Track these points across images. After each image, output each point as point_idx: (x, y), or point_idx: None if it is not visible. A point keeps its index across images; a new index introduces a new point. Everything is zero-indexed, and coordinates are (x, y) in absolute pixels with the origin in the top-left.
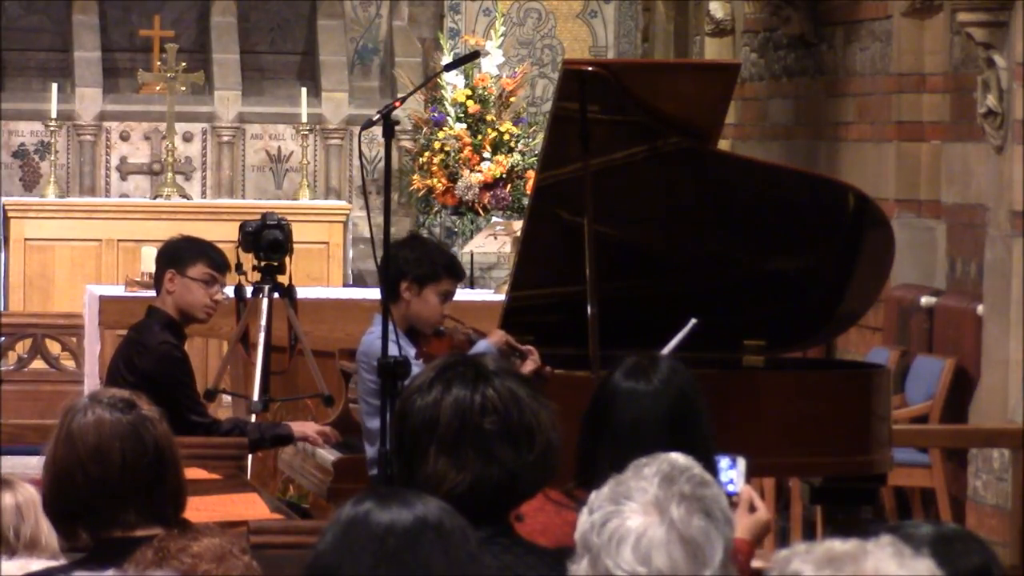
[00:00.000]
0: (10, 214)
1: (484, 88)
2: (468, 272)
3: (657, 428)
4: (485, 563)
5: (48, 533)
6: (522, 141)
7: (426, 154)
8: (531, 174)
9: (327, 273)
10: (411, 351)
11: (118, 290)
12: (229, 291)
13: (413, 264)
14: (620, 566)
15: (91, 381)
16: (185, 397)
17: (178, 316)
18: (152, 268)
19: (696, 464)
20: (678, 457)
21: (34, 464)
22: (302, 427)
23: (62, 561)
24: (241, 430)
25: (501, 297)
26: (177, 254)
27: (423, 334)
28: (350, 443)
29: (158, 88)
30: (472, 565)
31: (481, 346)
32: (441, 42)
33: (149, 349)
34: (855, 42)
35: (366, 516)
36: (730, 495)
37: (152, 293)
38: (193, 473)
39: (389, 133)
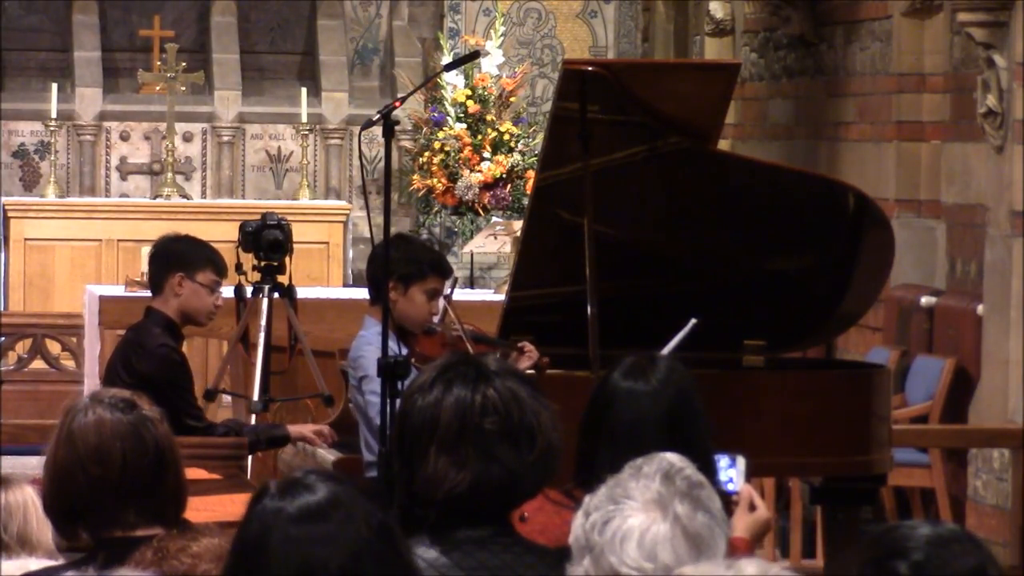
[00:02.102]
0: (10, 214)
1: (484, 88)
2: (468, 272)
3: (656, 428)
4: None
5: (39, 531)
6: (522, 141)
7: (426, 154)
8: (531, 174)
9: (327, 273)
10: (401, 351)
11: (118, 290)
12: (229, 291)
13: (399, 264)
14: (625, 563)
15: (91, 381)
16: (182, 400)
17: (179, 319)
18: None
19: (690, 465)
20: (674, 457)
21: (34, 464)
22: (299, 428)
23: (61, 561)
24: (237, 433)
25: (501, 297)
26: (186, 258)
27: (413, 333)
28: (350, 443)
29: (158, 88)
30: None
31: None
32: (441, 42)
33: (148, 351)
34: (855, 42)
35: (282, 497)
36: (730, 494)
37: (149, 293)
38: (193, 473)
39: (389, 133)
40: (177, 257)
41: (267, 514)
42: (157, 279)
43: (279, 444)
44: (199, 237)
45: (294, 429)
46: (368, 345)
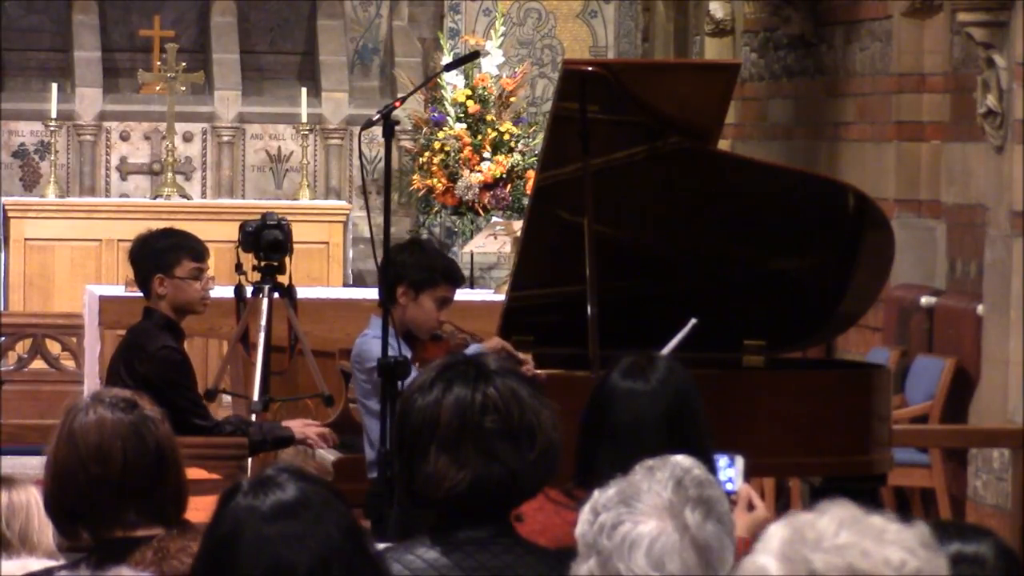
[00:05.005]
0: (10, 214)
1: (484, 88)
2: (468, 272)
3: (655, 427)
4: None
5: (40, 531)
6: (522, 141)
7: (426, 154)
8: (531, 174)
9: (327, 273)
10: (407, 354)
11: (118, 290)
12: (229, 291)
13: (411, 269)
14: (632, 570)
15: (91, 381)
16: (186, 401)
17: (175, 315)
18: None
19: (699, 465)
20: (684, 459)
21: (34, 464)
22: (303, 429)
23: (61, 560)
24: (243, 432)
25: (501, 297)
26: (159, 257)
27: (419, 339)
28: (350, 443)
29: (158, 88)
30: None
31: (474, 350)
32: (441, 42)
33: (148, 354)
34: (855, 42)
35: (254, 495)
36: (728, 494)
37: None
38: (193, 473)
39: (389, 133)
40: (151, 258)
41: (239, 512)
42: (141, 283)
43: (284, 445)
44: (170, 228)
45: (298, 430)
46: (375, 339)
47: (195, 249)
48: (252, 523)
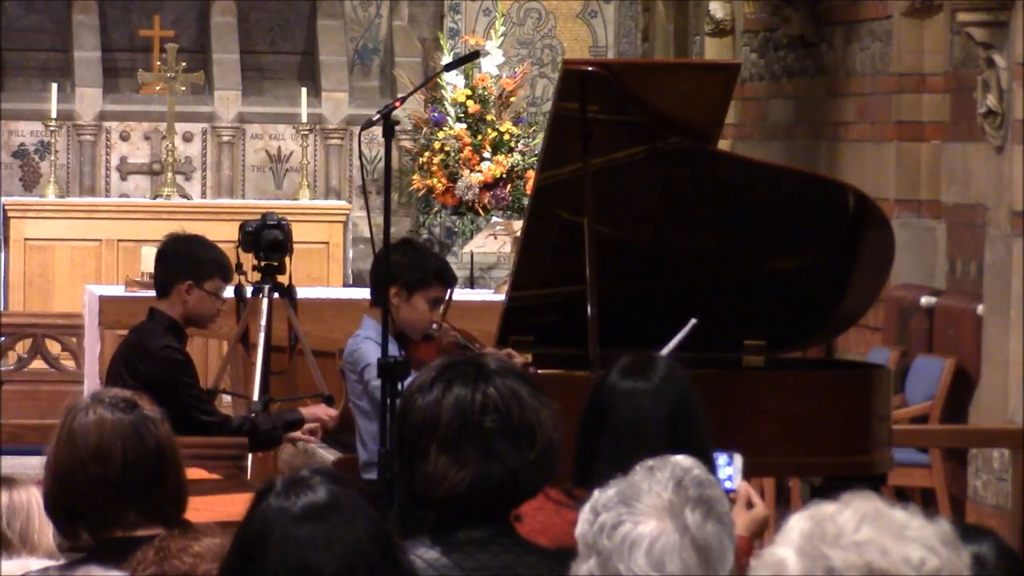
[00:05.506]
0: (10, 214)
1: (484, 88)
2: (468, 272)
3: (657, 427)
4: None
5: (40, 531)
6: (522, 141)
7: (426, 154)
8: (531, 174)
9: (327, 273)
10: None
11: (118, 290)
12: (229, 291)
13: (404, 270)
14: (632, 570)
15: (91, 381)
16: (192, 398)
17: (183, 321)
18: (151, 268)
19: (699, 465)
20: (684, 459)
21: (34, 464)
22: (313, 411)
23: (62, 560)
24: (252, 423)
25: (501, 297)
26: (197, 266)
27: (411, 339)
28: (349, 443)
29: (158, 88)
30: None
31: None
32: (441, 42)
33: (152, 354)
34: (855, 42)
35: (286, 495)
36: (727, 492)
37: (151, 293)
38: (193, 473)
39: (389, 133)
40: (188, 264)
41: (271, 512)
42: (164, 282)
43: (294, 427)
44: (206, 238)
45: (308, 411)
46: (366, 339)
47: (229, 270)
48: (282, 524)
